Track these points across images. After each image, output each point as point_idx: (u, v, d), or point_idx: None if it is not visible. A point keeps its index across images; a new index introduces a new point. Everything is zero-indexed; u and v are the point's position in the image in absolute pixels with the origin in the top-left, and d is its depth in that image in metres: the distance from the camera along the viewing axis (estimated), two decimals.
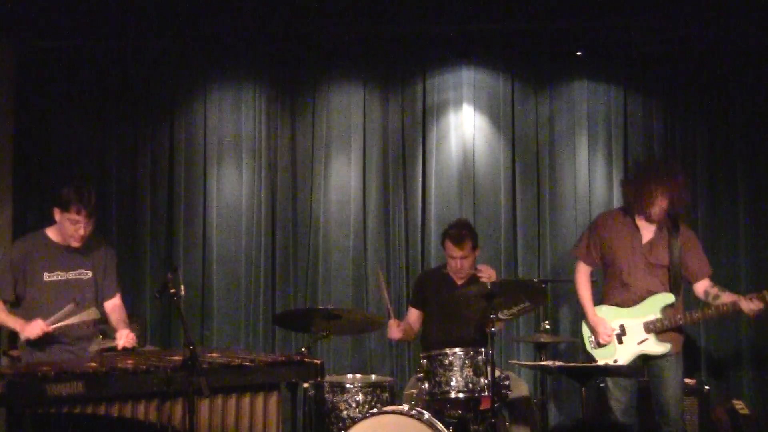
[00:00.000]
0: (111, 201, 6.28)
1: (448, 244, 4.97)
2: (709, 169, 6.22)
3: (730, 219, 6.17)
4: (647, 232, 4.71)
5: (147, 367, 3.69)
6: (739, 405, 5.54)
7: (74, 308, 4.22)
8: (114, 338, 4.41)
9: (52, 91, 6.30)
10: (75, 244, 4.33)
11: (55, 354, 4.25)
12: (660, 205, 4.60)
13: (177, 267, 5.62)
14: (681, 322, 4.62)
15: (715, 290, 4.70)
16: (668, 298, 4.63)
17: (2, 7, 5.67)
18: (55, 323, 4.18)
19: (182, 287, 3.78)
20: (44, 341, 4.25)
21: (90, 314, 4.28)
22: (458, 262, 4.96)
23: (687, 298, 4.78)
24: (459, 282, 5.10)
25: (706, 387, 5.48)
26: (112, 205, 6.28)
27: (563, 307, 6.12)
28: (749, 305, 4.52)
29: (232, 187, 6.33)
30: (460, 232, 4.96)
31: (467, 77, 6.32)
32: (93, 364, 3.75)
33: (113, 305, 4.53)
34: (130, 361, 3.81)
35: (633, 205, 4.68)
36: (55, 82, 6.30)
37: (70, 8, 5.76)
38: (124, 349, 4.30)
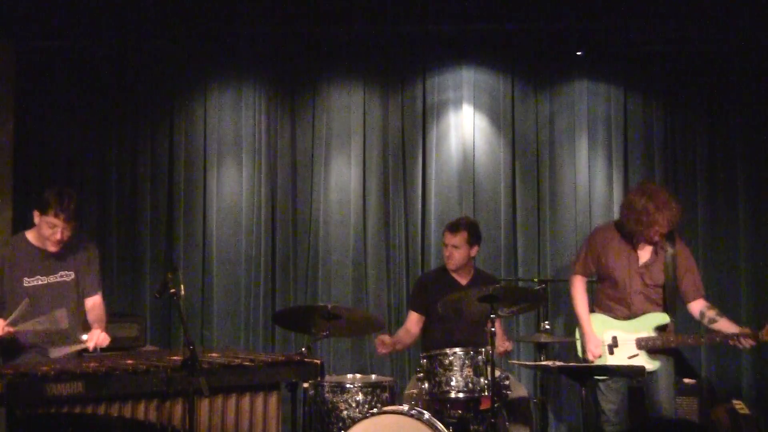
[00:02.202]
0: (111, 201, 6.28)
1: (445, 233, 5.15)
2: (709, 169, 6.22)
3: (730, 220, 6.17)
4: (644, 252, 4.72)
5: (147, 367, 3.69)
6: (739, 405, 5.54)
7: (28, 305, 4.10)
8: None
9: (52, 91, 6.29)
10: (52, 248, 4.23)
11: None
12: (660, 231, 4.61)
13: (177, 267, 5.62)
14: (673, 344, 4.67)
15: (712, 313, 4.69)
16: (663, 318, 4.67)
17: (2, 7, 5.67)
18: (16, 323, 4.06)
19: (182, 287, 3.77)
20: (12, 348, 4.15)
21: (58, 322, 4.14)
22: (449, 250, 5.09)
23: (680, 318, 4.81)
24: (459, 278, 5.12)
25: (706, 387, 5.48)
26: (112, 205, 6.28)
27: (563, 307, 6.12)
28: (743, 343, 4.54)
29: (232, 187, 6.32)
30: (457, 221, 5.19)
31: (467, 77, 6.32)
32: (93, 364, 3.75)
33: (93, 303, 4.43)
34: (130, 361, 3.81)
35: (634, 231, 4.65)
36: (55, 82, 6.29)
37: (70, 8, 5.76)
38: (95, 350, 4.19)
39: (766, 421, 5.83)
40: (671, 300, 4.68)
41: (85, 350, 4.21)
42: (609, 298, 4.76)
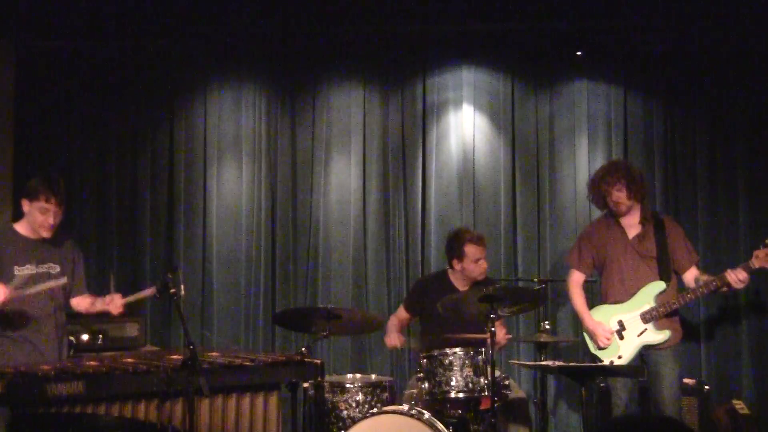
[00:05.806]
0: (111, 201, 6.28)
1: (471, 248, 5.09)
2: (709, 169, 6.21)
3: (730, 219, 6.16)
4: (633, 229, 4.90)
5: (147, 367, 3.70)
6: (739, 405, 5.55)
7: (29, 279, 4.16)
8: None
9: (52, 91, 6.29)
10: (45, 234, 4.28)
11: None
12: (615, 195, 4.81)
13: (177, 267, 5.63)
14: (675, 305, 4.76)
15: (705, 277, 4.83)
16: (659, 285, 4.77)
17: (2, 7, 5.67)
18: (19, 288, 4.08)
19: (182, 287, 3.78)
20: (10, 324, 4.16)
21: (59, 281, 4.20)
22: (481, 262, 5.11)
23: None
24: (459, 285, 5.13)
25: (706, 387, 5.48)
26: (112, 205, 6.28)
27: (563, 306, 6.11)
28: (735, 276, 4.66)
29: (232, 187, 6.32)
30: (476, 232, 5.24)
31: (467, 77, 6.32)
32: (93, 363, 3.76)
33: (79, 297, 4.50)
34: (130, 361, 3.82)
35: (598, 204, 5.00)
36: (55, 82, 6.29)
37: (70, 8, 5.76)
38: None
39: (766, 421, 5.83)
40: (666, 270, 4.78)
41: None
42: (609, 287, 4.88)
